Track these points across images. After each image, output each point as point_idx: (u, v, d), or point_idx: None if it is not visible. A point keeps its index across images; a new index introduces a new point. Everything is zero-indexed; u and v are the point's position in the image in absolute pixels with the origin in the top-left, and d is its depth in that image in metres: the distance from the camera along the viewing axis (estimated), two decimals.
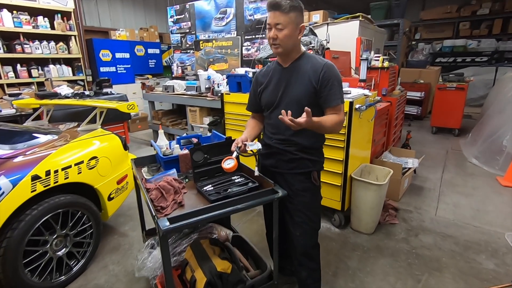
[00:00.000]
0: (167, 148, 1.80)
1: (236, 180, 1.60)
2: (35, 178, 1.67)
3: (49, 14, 4.91)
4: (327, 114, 1.41)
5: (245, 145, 1.41)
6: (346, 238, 2.35)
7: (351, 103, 2.11)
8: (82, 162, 1.94)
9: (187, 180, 1.68)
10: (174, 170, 1.67)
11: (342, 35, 3.95)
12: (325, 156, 1.59)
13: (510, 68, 7.33)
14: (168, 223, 1.13)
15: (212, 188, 1.52)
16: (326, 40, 3.68)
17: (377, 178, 2.51)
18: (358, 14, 3.96)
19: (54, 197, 1.77)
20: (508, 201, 2.90)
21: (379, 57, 3.36)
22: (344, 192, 2.32)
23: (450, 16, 9.98)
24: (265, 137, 1.60)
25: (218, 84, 4.10)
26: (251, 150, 1.40)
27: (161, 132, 1.86)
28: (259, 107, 1.60)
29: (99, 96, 4.24)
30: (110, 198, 2.17)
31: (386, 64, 3.30)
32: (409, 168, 2.95)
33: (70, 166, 1.85)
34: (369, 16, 4.63)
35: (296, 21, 1.33)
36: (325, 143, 1.56)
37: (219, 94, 3.86)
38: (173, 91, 4.84)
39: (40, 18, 4.79)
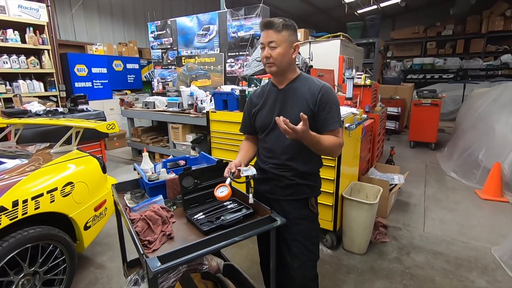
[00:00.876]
0: (152, 173, 1.67)
1: (229, 207, 1.50)
2: (0, 210, 1.48)
3: (20, 27, 4.66)
4: None
5: (239, 170, 1.33)
6: (339, 260, 2.28)
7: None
8: (55, 189, 1.75)
9: (175, 207, 1.56)
10: (160, 197, 1.54)
11: (324, 53, 4.04)
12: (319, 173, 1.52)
13: (475, 85, 7.86)
14: (159, 264, 1.00)
15: (203, 216, 1.41)
16: (309, 58, 3.74)
17: (367, 196, 2.50)
18: (339, 33, 4.08)
19: (22, 231, 1.58)
20: (488, 214, 2.99)
21: (361, 75, 3.45)
22: (336, 212, 2.28)
23: (418, 36, 10.70)
24: (259, 161, 1.52)
25: (201, 100, 4.02)
26: (246, 176, 1.32)
27: (145, 155, 1.73)
28: (253, 129, 1.53)
29: (73, 113, 4.01)
30: (86, 227, 1.98)
31: (368, 82, 3.38)
32: (396, 185, 2.98)
33: (41, 195, 1.67)
34: (348, 35, 4.80)
35: (290, 39, 1.30)
36: None
37: (203, 111, 3.78)
38: (154, 108, 4.69)
39: (10, 31, 4.53)
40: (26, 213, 1.58)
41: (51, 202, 1.71)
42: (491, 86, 6.95)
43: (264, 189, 1.48)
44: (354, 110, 2.40)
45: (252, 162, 1.52)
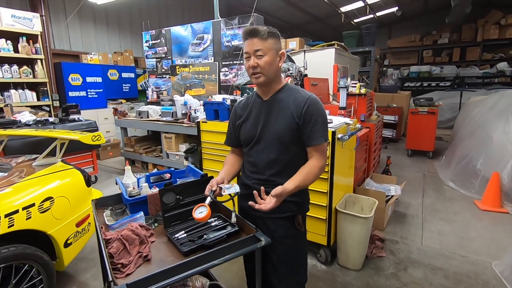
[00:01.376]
0: (134, 188, 1.58)
1: (213, 224, 1.41)
2: None
3: (13, 36, 4.62)
4: (309, 154, 1.30)
5: (221, 188, 1.25)
6: (333, 276, 2.18)
7: (333, 133, 2.04)
8: (32, 205, 1.67)
9: (156, 224, 1.48)
10: (141, 213, 1.46)
11: (319, 62, 4.01)
12: (308, 187, 1.43)
13: (472, 92, 7.85)
14: None
15: (185, 235, 1.33)
16: (303, 66, 3.70)
17: (362, 209, 2.41)
18: (334, 42, 4.06)
19: None
20: (488, 226, 2.90)
21: (356, 83, 3.40)
22: (330, 225, 2.19)
23: (414, 44, 10.76)
24: (244, 176, 1.44)
25: (195, 110, 3.96)
26: (229, 194, 1.24)
27: (127, 169, 1.65)
28: (238, 141, 1.46)
29: (64, 123, 3.94)
30: (67, 244, 1.88)
31: (363, 90, 3.33)
32: (392, 196, 2.89)
33: (16, 211, 1.58)
34: (343, 44, 4.78)
35: (276, 47, 1.25)
36: None
37: (196, 121, 3.71)
38: (148, 117, 4.62)
39: (2, 40, 4.48)
40: None
41: (27, 219, 1.63)
42: (488, 94, 6.95)
43: (248, 206, 1.40)
44: (347, 120, 2.34)
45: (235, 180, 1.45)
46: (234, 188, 1.25)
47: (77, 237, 1.97)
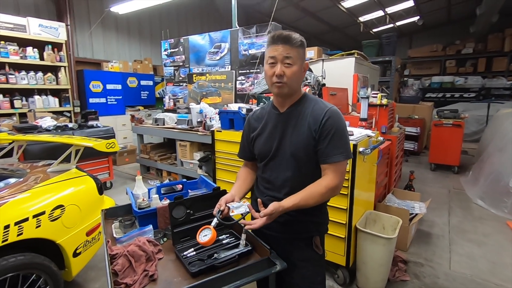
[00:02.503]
0: (143, 199, 1.52)
1: (224, 241, 1.32)
2: None
3: (40, 45, 4.81)
4: (323, 171, 1.17)
5: (229, 208, 1.15)
6: None
7: (354, 146, 1.92)
8: (43, 213, 1.64)
9: (165, 239, 1.40)
10: (150, 227, 1.39)
11: (338, 71, 3.90)
12: (327, 204, 1.32)
13: (500, 104, 7.45)
14: None
15: (194, 253, 1.24)
16: (322, 76, 3.60)
17: (384, 228, 2.25)
18: (354, 51, 3.94)
19: (1, 259, 1.45)
20: None
21: (376, 94, 3.26)
22: (349, 245, 2.04)
23: (436, 54, 10.44)
24: (258, 192, 1.34)
25: (210, 118, 3.93)
26: (241, 214, 1.14)
27: (138, 179, 1.60)
28: (252, 154, 1.36)
29: (83, 129, 4.01)
30: (76, 254, 1.84)
31: (384, 101, 3.19)
32: (416, 214, 2.70)
33: (26, 219, 1.55)
34: (363, 53, 4.66)
35: (303, 57, 1.16)
36: None
37: (211, 129, 3.68)
38: (164, 124, 4.64)
39: (29, 48, 4.68)
40: (7, 240, 1.46)
41: (36, 227, 1.60)
42: None
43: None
44: (369, 132, 2.21)
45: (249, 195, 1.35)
46: (244, 207, 1.15)
47: (87, 246, 1.93)
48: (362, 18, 9.57)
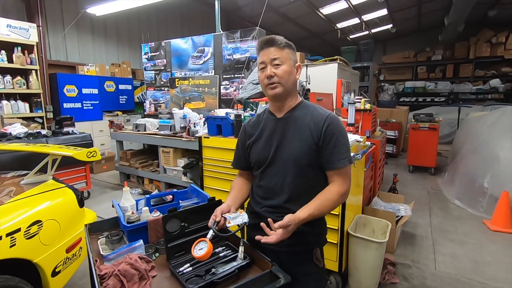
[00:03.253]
0: (132, 212, 1.43)
1: (222, 254, 1.26)
2: None
3: (8, 46, 4.50)
4: (329, 178, 1.16)
5: (225, 219, 1.10)
6: None
7: None
8: (18, 230, 1.50)
9: (157, 254, 1.32)
10: (140, 242, 1.30)
11: (321, 76, 3.96)
12: None
13: (468, 108, 7.90)
14: None
15: (190, 268, 1.17)
16: (306, 81, 3.64)
17: (374, 231, 2.28)
18: (336, 57, 4.03)
19: None
20: (502, 249, 2.78)
21: (360, 99, 3.34)
22: (341, 250, 2.04)
23: (408, 60, 10.97)
24: (253, 203, 1.29)
25: (194, 123, 3.84)
26: (237, 225, 1.10)
27: (126, 190, 1.50)
28: (247, 163, 1.32)
29: (57, 136, 3.77)
30: (55, 273, 1.70)
31: (368, 106, 3.27)
32: (402, 217, 2.76)
33: None
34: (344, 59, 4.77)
35: (293, 58, 1.16)
36: None
37: (196, 135, 3.59)
38: (145, 130, 4.48)
39: None
40: None
41: (11, 246, 1.45)
42: (484, 110, 7.01)
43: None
44: (358, 137, 2.24)
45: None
46: (242, 217, 1.11)
47: (66, 264, 1.79)
48: (339, 25, 9.86)
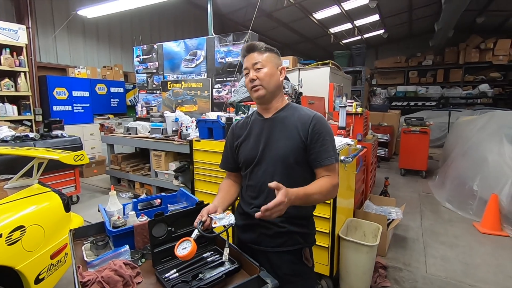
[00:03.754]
0: (118, 217, 1.40)
1: (209, 259, 1.24)
2: None
3: None
4: (318, 176, 1.17)
5: (211, 219, 1.09)
6: None
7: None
8: None
9: (143, 260, 1.29)
10: (126, 247, 1.27)
11: (314, 80, 3.98)
12: (313, 214, 1.31)
13: (458, 112, 8.03)
14: None
15: (177, 274, 1.14)
16: (298, 84, 3.65)
17: (365, 235, 2.28)
18: (328, 61, 4.05)
19: None
20: (491, 251, 2.81)
21: (352, 102, 3.36)
22: (333, 254, 2.03)
23: (400, 65, 11.13)
24: (243, 203, 1.29)
25: (186, 127, 3.80)
26: (223, 226, 1.08)
27: (112, 194, 1.47)
28: (235, 164, 1.32)
29: (46, 139, 3.70)
30: (38, 280, 1.64)
31: (359, 109, 3.29)
32: (393, 220, 2.77)
33: None
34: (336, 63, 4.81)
35: (275, 61, 1.19)
36: None
37: (188, 138, 3.55)
38: (136, 133, 4.43)
39: None
40: None
41: None
42: (474, 114, 7.13)
43: (249, 238, 1.24)
44: (348, 140, 2.24)
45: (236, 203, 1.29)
46: (228, 218, 1.09)
47: (51, 270, 1.74)
48: (332, 30, 9.97)
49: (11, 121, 4.57)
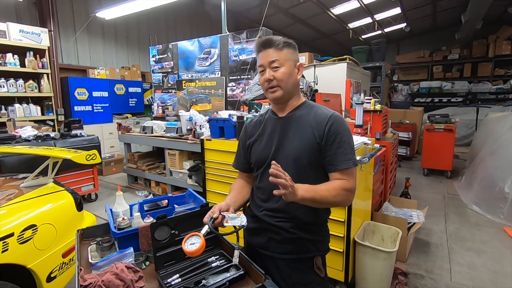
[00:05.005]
0: (123, 218, 1.37)
1: (214, 264, 1.18)
2: None
3: (20, 51, 4.61)
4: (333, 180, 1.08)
5: (224, 217, 1.03)
6: None
7: None
8: (11, 235, 1.47)
9: (147, 263, 1.26)
10: (130, 250, 1.24)
11: (330, 76, 3.84)
12: (328, 219, 1.22)
13: (487, 109, 7.55)
14: None
15: (179, 280, 1.10)
16: (314, 81, 3.53)
17: (383, 239, 2.15)
18: (345, 56, 3.90)
19: None
20: None
21: (370, 99, 3.20)
22: (348, 259, 1.93)
23: (423, 60, 10.63)
24: (253, 206, 1.23)
25: (200, 126, 3.79)
26: (234, 227, 1.02)
27: (119, 195, 1.45)
28: (248, 164, 1.26)
29: (65, 139, 3.81)
30: (50, 278, 1.66)
31: (378, 106, 3.13)
32: (415, 223, 2.61)
33: None
34: (354, 58, 4.63)
35: (293, 57, 1.09)
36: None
37: (201, 137, 3.54)
38: (152, 132, 4.48)
39: (9, 55, 4.47)
40: None
41: (3, 251, 1.43)
42: (504, 110, 6.66)
43: (257, 242, 1.18)
44: (365, 139, 2.12)
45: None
46: (240, 219, 1.03)
47: (63, 269, 1.76)
48: (351, 25, 9.67)
49: (35, 121, 4.76)
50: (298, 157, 1.08)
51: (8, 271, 1.51)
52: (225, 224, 1.05)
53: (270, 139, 1.16)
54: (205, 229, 1.02)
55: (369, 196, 2.39)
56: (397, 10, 8.44)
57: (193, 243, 1.01)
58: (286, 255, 1.11)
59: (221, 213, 1.07)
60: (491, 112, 6.59)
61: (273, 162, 0.89)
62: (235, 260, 1.07)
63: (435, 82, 10.24)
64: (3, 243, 1.43)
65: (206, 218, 1.05)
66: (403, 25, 9.79)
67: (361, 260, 1.94)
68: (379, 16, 8.95)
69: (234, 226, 1.05)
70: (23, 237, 1.52)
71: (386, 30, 10.29)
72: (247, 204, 1.31)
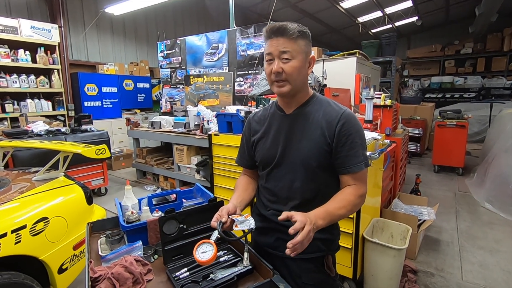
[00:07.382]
0: (132, 212, 1.38)
1: (222, 259, 1.18)
2: None
3: (32, 47, 4.68)
4: (343, 183, 1.04)
5: (233, 221, 1.00)
6: None
7: None
8: (23, 227, 1.50)
9: (156, 256, 1.26)
10: (139, 243, 1.25)
11: (339, 71, 3.79)
12: None
13: (501, 104, 7.34)
14: None
15: (188, 273, 1.10)
16: (323, 76, 3.48)
17: (392, 236, 2.12)
18: (355, 50, 3.83)
19: None
20: None
21: (380, 94, 3.14)
22: (356, 256, 1.91)
23: (435, 54, 10.37)
24: (260, 205, 1.20)
25: (208, 121, 3.79)
26: (242, 231, 1.00)
27: (128, 189, 1.46)
28: (252, 161, 1.22)
29: (76, 134, 3.87)
30: (62, 270, 1.70)
31: (388, 102, 3.07)
32: (425, 220, 2.56)
33: (4, 235, 1.41)
34: (364, 53, 4.54)
35: (306, 50, 1.00)
36: None
37: (209, 132, 3.55)
38: (160, 128, 4.51)
39: (21, 51, 4.55)
40: None
41: (16, 243, 1.46)
42: None
43: (266, 242, 1.16)
44: (375, 134, 2.08)
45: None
46: (249, 222, 1.00)
47: (74, 261, 1.79)
48: (360, 19, 9.49)
49: (46, 116, 4.84)
50: (306, 160, 1.03)
51: (21, 263, 1.54)
52: (234, 228, 1.02)
53: (276, 138, 1.10)
54: (215, 235, 0.99)
55: (378, 192, 2.35)
56: (408, 3, 8.24)
57: (204, 252, 0.98)
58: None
59: (230, 216, 1.02)
60: (505, 108, 6.40)
61: (280, 218, 0.88)
62: (245, 261, 1.05)
63: (447, 77, 10.01)
64: (16, 235, 1.46)
65: (214, 222, 1.00)
66: (414, 18, 9.56)
67: (370, 257, 1.92)
68: (389, 10, 8.76)
69: (243, 230, 1.02)
70: (35, 229, 1.55)
71: (397, 24, 10.08)
72: (254, 202, 1.29)
